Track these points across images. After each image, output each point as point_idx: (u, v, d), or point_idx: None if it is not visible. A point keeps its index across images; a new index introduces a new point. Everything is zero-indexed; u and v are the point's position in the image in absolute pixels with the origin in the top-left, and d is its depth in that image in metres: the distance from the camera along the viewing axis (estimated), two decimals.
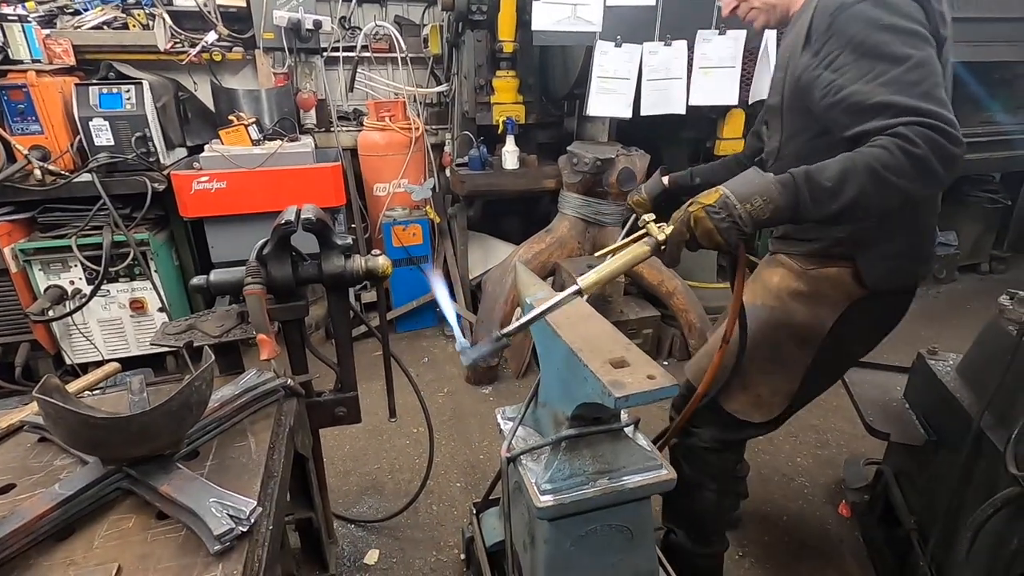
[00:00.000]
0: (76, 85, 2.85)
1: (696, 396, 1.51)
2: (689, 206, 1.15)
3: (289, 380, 1.38)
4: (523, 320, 1.18)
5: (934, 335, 3.54)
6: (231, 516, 0.93)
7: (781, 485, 2.43)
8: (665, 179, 1.78)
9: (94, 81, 2.94)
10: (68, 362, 3.05)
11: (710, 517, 1.74)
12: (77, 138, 2.87)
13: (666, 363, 3.31)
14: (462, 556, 1.99)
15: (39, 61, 2.84)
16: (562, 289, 1.22)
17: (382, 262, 1.55)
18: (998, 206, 4.42)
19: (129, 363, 3.02)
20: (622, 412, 1.31)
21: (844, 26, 1.20)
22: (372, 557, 2.07)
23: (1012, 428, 1.38)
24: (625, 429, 1.32)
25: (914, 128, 1.06)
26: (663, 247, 1.18)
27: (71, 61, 3.04)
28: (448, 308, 1.35)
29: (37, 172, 2.72)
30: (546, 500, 1.23)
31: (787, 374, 1.51)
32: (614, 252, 1.26)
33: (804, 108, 1.31)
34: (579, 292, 1.17)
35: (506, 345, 1.17)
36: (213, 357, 1.12)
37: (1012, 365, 1.41)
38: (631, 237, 1.25)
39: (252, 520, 0.94)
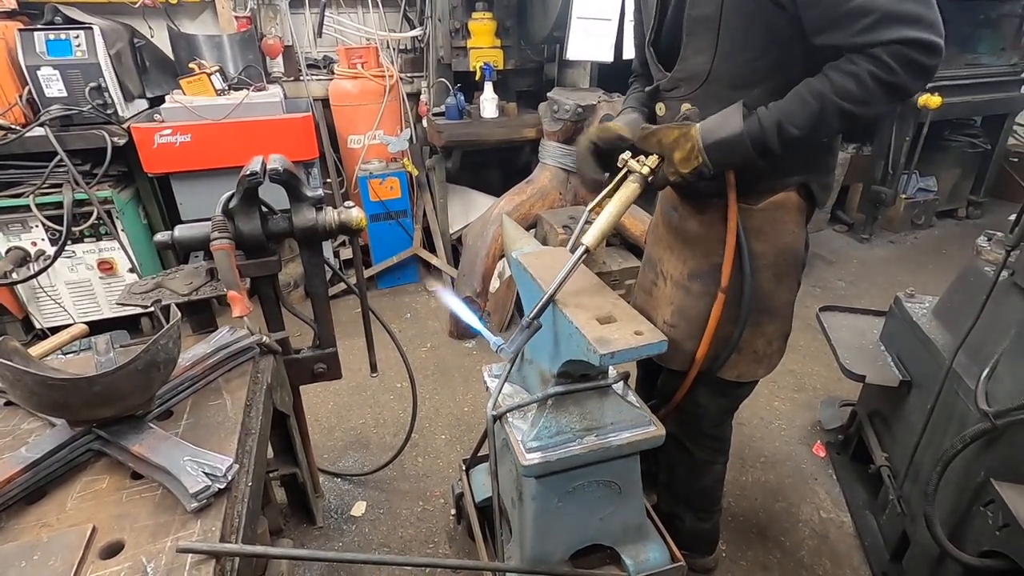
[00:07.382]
0: (19, 31, 2.64)
1: (690, 377, 1.43)
2: (668, 167, 1.17)
3: (264, 337, 1.35)
4: (545, 298, 1.18)
5: (910, 279, 3.59)
6: (207, 474, 0.91)
7: (759, 428, 2.49)
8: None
9: (39, 26, 2.73)
10: (38, 326, 2.96)
11: (718, 486, 1.71)
12: (26, 89, 2.69)
13: None
14: (452, 512, 2.02)
15: None
16: (544, 242, 1.20)
17: (356, 214, 1.49)
18: (978, 151, 4.39)
19: (103, 326, 2.95)
20: (610, 368, 1.30)
21: None
22: (359, 509, 2.10)
23: (984, 367, 1.41)
24: (613, 386, 1.31)
25: (892, 48, 0.96)
26: (651, 179, 1.19)
27: (12, 4, 2.81)
28: (473, 320, 1.32)
29: None
30: (532, 458, 1.23)
31: (778, 318, 1.40)
32: (600, 206, 1.25)
33: (750, 19, 1.12)
34: (587, 251, 1.19)
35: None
36: (180, 315, 1.08)
37: (987, 305, 1.43)
38: (615, 181, 1.23)
39: (229, 477, 0.93)
